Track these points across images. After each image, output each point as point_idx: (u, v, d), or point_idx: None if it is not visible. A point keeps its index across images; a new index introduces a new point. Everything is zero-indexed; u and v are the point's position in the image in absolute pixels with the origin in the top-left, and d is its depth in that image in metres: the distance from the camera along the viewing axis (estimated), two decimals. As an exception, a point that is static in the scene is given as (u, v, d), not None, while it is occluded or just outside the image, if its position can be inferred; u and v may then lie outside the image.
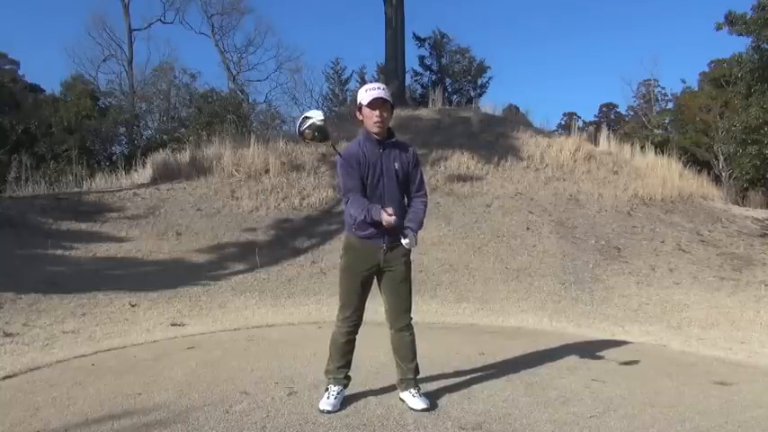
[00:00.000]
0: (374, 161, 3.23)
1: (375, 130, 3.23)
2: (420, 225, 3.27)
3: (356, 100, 3.32)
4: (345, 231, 3.40)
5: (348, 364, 3.42)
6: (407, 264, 3.36)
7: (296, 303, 7.05)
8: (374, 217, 3.11)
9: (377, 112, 3.20)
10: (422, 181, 3.39)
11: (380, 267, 3.30)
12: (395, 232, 3.20)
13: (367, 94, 3.21)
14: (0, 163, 14.68)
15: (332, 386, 3.36)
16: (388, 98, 3.22)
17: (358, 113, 3.30)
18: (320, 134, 3.19)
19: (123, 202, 10.67)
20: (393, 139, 3.33)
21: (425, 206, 3.34)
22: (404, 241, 3.20)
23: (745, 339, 5.94)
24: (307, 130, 3.19)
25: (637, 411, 3.43)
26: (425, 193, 3.38)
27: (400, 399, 3.41)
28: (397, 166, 3.27)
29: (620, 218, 10.96)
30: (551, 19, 68.79)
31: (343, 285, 3.37)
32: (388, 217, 3.05)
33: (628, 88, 60.12)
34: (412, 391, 3.36)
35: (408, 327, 3.38)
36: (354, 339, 3.41)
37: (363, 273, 3.30)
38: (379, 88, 3.24)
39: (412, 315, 3.41)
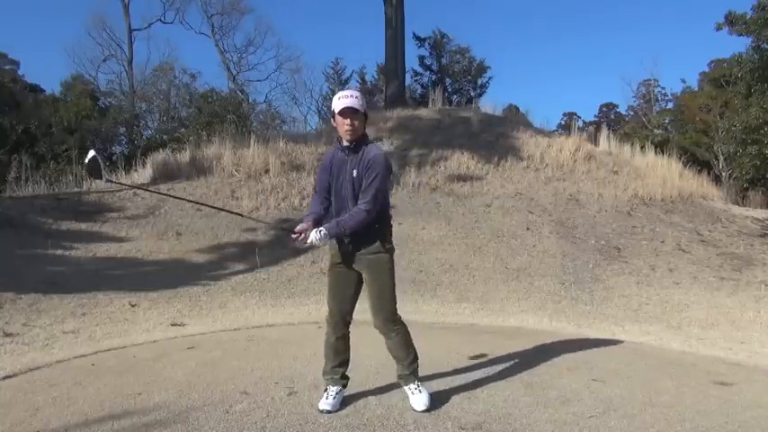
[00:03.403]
0: (340, 167, 3.29)
1: (346, 137, 3.24)
2: (337, 229, 3.14)
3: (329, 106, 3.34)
4: None
5: (344, 364, 3.41)
6: (380, 262, 3.28)
7: (296, 303, 7.05)
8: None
9: (347, 121, 3.19)
10: (369, 188, 3.18)
11: (353, 265, 3.32)
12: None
13: (339, 102, 3.20)
14: (0, 163, 14.68)
15: (330, 386, 3.37)
16: (358, 107, 3.19)
17: (332, 120, 3.31)
18: None
19: (123, 202, 10.67)
20: (359, 146, 3.26)
21: (360, 214, 3.15)
22: (310, 237, 3.14)
23: (745, 339, 5.94)
24: None
25: (637, 411, 3.43)
26: (366, 201, 3.16)
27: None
28: (355, 173, 3.24)
29: (620, 218, 10.96)
30: (551, 19, 68.85)
31: (327, 283, 3.49)
32: (292, 234, 3.23)
33: (628, 88, 60.22)
34: (411, 386, 3.37)
35: (389, 328, 3.31)
36: (345, 338, 3.40)
37: (337, 269, 3.38)
38: (351, 96, 3.21)
39: (400, 314, 3.36)
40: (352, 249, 3.28)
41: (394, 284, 3.35)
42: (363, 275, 3.34)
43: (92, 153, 3.24)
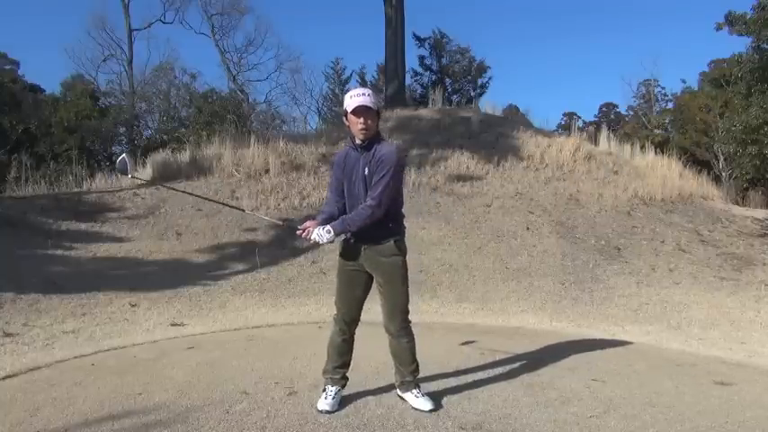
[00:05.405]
0: (353, 166, 3.25)
1: (360, 136, 3.21)
2: (343, 227, 3.16)
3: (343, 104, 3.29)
4: None
5: (346, 365, 3.40)
6: (394, 265, 3.25)
7: (296, 303, 7.05)
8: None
9: (361, 119, 3.16)
10: (377, 185, 3.14)
11: (364, 267, 3.28)
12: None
13: (351, 100, 3.16)
14: (0, 163, 14.69)
15: (329, 386, 3.36)
16: (371, 105, 3.16)
17: (344, 119, 3.27)
18: None
19: (123, 202, 10.67)
20: (372, 144, 3.22)
21: (365, 210, 3.12)
22: (313, 234, 3.18)
23: (745, 339, 5.94)
24: None
25: (637, 411, 3.43)
26: (374, 198, 3.12)
27: (398, 396, 3.41)
28: (366, 171, 3.21)
29: (620, 218, 10.96)
30: (551, 19, 68.77)
31: (336, 283, 3.43)
32: (300, 233, 3.24)
33: (628, 88, 60.06)
34: (414, 391, 3.36)
35: (402, 332, 3.30)
36: (350, 339, 3.39)
37: (347, 270, 3.33)
38: (363, 94, 3.17)
39: (410, 318, 3.35)
40: (359, 248, 3.25)
41: (408, 288, 3.31)
42: (376, 278, 3.29)
43: (122, 156, 3.75)
